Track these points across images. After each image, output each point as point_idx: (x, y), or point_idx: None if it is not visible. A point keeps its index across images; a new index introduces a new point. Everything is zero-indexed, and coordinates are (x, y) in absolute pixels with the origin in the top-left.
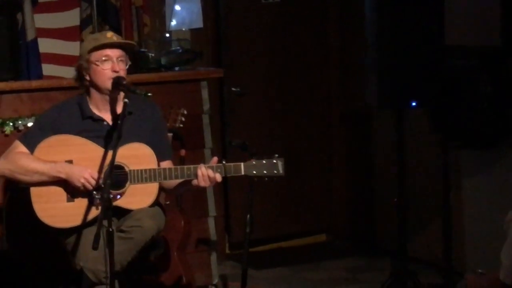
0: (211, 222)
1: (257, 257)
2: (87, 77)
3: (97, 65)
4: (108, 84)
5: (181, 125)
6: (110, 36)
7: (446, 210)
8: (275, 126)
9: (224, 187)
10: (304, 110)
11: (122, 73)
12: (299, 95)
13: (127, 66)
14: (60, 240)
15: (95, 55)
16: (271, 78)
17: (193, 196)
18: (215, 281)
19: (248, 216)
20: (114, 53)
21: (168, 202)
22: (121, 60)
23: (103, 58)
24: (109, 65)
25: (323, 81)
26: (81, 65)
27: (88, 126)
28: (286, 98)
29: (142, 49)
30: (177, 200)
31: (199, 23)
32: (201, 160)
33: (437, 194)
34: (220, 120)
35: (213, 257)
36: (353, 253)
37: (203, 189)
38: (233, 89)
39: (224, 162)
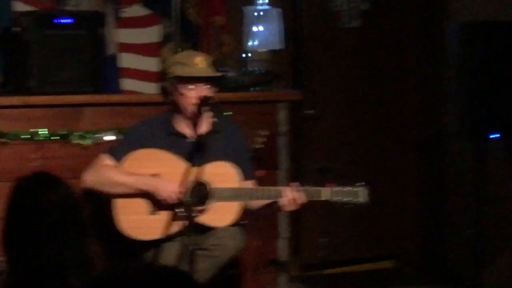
0: (282, 244)
1: (323, 280)
2: (171, 97)
3: (183, 94)
4: (192, 108)
5: (262, 146)
6: (199, 62)
7: None
8: (350, 151)
9: None
10: (379, 136)
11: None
12: (374, 121)
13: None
14: (137, 254)
15: (181, 84)
16: (348, 102)
17: (265, 216)
18: None
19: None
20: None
21: (246, 222)
22: (207, 88)
23: (190, 87)
24: (196, 93)
25: (399, 107)
26: (166, 86)
27: (173, 143)
28: (361, 123)
29: (221, 69)
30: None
31: (279, 45)
32: (275, 181)
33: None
34: (295, 142)
35: (282, 278)
36: (422, 282)
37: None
38: (306, 112)
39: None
